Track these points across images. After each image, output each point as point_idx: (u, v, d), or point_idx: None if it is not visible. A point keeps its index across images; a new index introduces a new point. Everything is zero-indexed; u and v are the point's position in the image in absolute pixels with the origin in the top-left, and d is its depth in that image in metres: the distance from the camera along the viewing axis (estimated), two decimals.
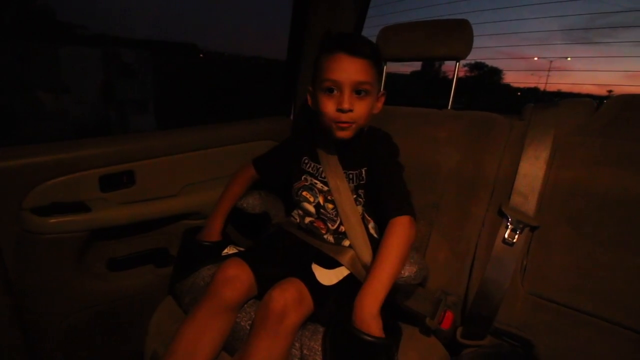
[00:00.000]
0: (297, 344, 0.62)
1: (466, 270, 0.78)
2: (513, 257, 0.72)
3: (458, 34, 0.88)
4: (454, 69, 0.94)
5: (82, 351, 0.80)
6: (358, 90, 0.70)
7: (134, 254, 0.86)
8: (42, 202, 0.70)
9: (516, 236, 0.72)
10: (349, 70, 0.68)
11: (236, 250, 0.81)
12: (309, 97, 0.79)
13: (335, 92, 0.70)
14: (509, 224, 0.73)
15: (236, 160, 1.03)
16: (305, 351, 0.61)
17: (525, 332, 0.71)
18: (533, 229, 0.73)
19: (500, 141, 0.81)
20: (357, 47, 0.69)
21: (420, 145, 0.88)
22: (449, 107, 0.96)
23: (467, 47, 0.88)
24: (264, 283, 0.70)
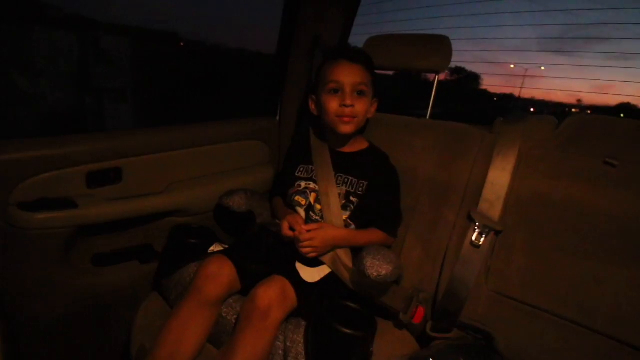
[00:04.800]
0: (281, 337, 0.66)
1: (437, 270, 0.85)
2: (479, 258, 0.79)
3: (438, 48, 0.94)
4: (434, 81, 1.00)
5: (67, 345, 0.81)
6: (358, 91, 0.81)
7: (119, 250, 0.87)
8: (28, 197, 0.69)
9: (482, 239, 0.79)
10: (349, 73, 0.80)
11: (222, 248, 0.84)
12: (311, 103, 0.89)
13: (338, 92, 0.81)
14: (476, 227, 0.80)
15: (223, 158, 1.05)
16: (288, 343, 0.65)
17: (487, 326, 0.78)
18: (497, 233, 0.80)
19: (472, 152, 0.88)
20: (355, 55, 0.83)
21: (399, 152, 0.94)
22: (428, 117, 1.02)
23: (446, 61, 0.94)
24: (247, 279, 0.73)
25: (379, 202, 0.84)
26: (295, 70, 1.14)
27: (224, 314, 0.72)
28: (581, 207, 0.74)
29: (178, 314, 0.68)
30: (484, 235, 0.79)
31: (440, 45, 0.94)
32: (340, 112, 0.81)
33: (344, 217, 0.83)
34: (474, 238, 0.80)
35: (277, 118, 1.21)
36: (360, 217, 0.84)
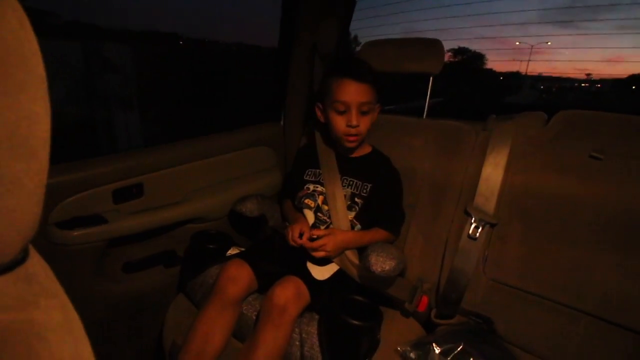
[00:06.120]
0: (297, 329, 0.74)
1: (438, 261, 0.91)
2: (476, 250, 0.85)
3: (431, 51, 0.98)
4: (429, 84, 1.04)
5: (106, 345, 0.90)
6: (363, 111, 0.85)
7: (145, 257, 0.95)
8: (65, 216, 0.77)
9: (479, 232, 0.85)
10: (355, 93, 0.84)
11: (239, 251, 0.92)
12: (318, 112, 0.93)
13: (344, 111, 0.85)
14: (473, 221, 0.86)
15: (233, 166, 1.12)
16: (304, 335, 0.73)
17: (487, 311, 0.84)
18: (493, 225, 0.86)
19: (467, 150, 0.93)
20: (362, 74, 0.84)
21: (399, 152, 0.99)
22: (424, 116, 1.07)
23: (439, 63, 0.98)
24: (263, 279, 0.81)
25: (382, 203, 0.90)
26: (296, 77, 1.19)
27: (244, 311, 0.80)
28: (570, 199, 0.79)
29: (204, 314, 0.76)
30: (480, 228, 0.85)
31: (433, 48, 0.98)
32: (347, 131, 0.86)
33: (350, 217, 0.89)
34: (470, 231, 0.86)
35: (282, 123, 1.27)
36: (365, 217, 0.90)
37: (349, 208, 0.90)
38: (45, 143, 0.23)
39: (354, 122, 0.84)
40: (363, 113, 0.86)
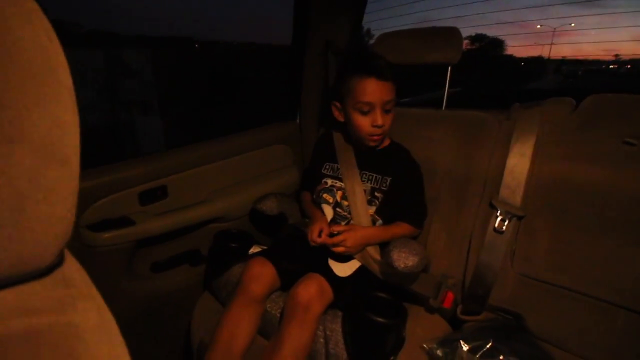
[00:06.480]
0: (321, 327, 0.74)
1: (463, 256, 0.89)
2: (503, 243, 0.82)
3: (449, 40, 0.95)
4: (447, 74, 1.01)
5: (136, 342, 0.93)
6: (386, 109, 0.83)
7: (171, 257, 0.98)
8: (95, 219, 0.81)
9: (505, 225, 0.82)
10: (379, 93, 0.82)
11: (260, 249, 0.93)
12: (335, 111, 0.91)
13: (368, 111, 0.83)
14: (498, 214, 0.83)
15: (252, 165, 1.13)
16: (328, 332, 0.73)
17: (516, 307, 0.81)
18: (520, 218, 0.82)
19: (490, 140, 0.90)
20: (384, 72, 0.82)
21: (418, 145, 0.96)
22: (443, 108, 1.04)
23: (457, 52, 0.95)
24: (286, 277, 0.82)
25: (403, 196, 0.88)
26: (311, 75, 1.18)
27: (268, 309, 0.81)
28: (602, 188, 0.74)
29: (229, 312, 0.78)
30: (506, 221, 0.82)
31: (451, 37, 0.95)
32: (372, 131, 0.85)
33: (371, 212, 0.88)
34: (496, 224, 0.83)
35: (298, 121, 1.27)
36: (386, 212, 0.89)
37: (369, 203, 0.89)
38: (76, 150, 0.23)
39: (380, 122, 0.82)
40: (387, 111, 0.84)
